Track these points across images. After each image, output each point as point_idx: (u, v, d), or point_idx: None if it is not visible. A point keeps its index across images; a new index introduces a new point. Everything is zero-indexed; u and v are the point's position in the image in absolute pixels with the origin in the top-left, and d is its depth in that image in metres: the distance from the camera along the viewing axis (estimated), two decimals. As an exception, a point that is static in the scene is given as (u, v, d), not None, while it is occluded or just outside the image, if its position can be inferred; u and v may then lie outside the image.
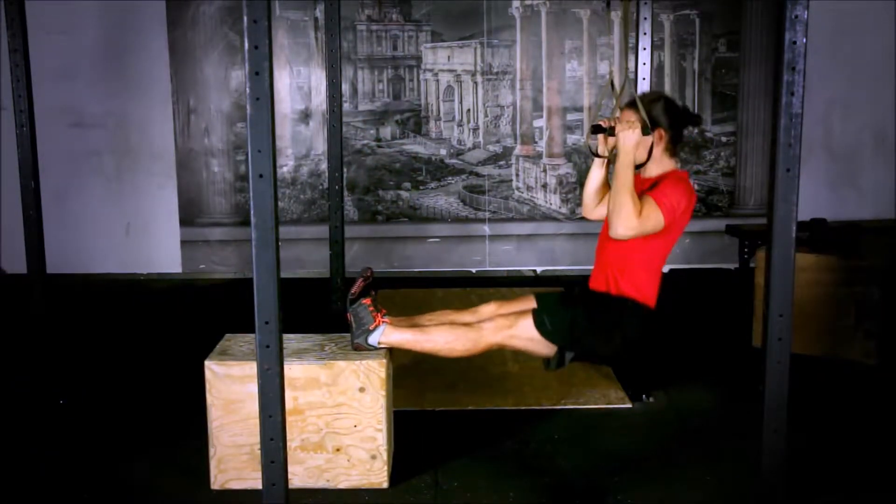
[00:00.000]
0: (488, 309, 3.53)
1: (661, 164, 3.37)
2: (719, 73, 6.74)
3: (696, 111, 6.74)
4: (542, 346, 3.29)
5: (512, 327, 3.27)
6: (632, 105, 3.37)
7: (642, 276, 3.31)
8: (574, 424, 3.78)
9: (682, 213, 3.28)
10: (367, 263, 6.50)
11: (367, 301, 3.29)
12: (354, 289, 3.31)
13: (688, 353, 4.77)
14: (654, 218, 3.20)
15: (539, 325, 3.26)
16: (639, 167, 3.42)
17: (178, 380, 4.23)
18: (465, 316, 3.51)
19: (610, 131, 3.34)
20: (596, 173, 3.53)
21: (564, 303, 3.40)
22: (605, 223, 3.44)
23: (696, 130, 6.74)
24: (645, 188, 3.35)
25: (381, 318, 3.27)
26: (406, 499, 3.13)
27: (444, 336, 3.29)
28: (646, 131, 3.27)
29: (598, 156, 3.47)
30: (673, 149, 3.37)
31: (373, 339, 3.24)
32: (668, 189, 3.24)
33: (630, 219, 3.14)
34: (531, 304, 3.49)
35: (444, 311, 3.60)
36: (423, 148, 6.77)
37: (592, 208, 3.57)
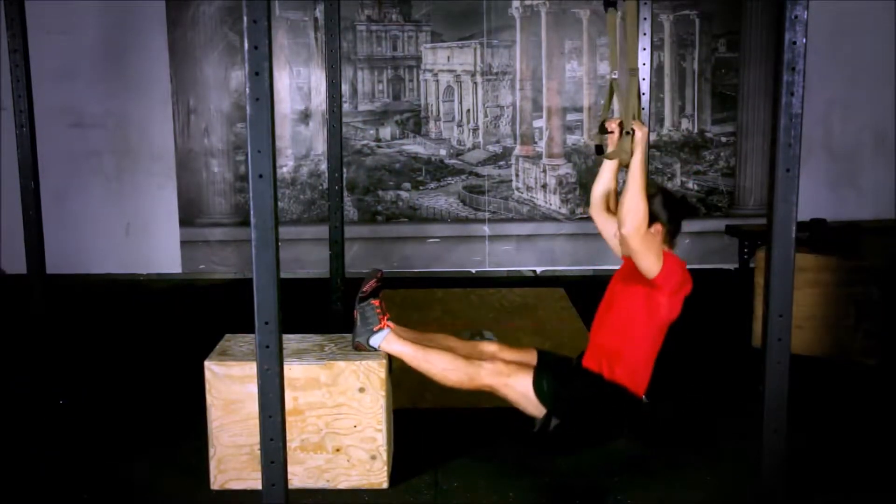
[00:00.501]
0: (490, 348, 3.51)
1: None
2: (719, 74, 6.74)
3: (695, 112, 6.75)
4: (531, 406, 3.27)
5: (510, 377, 3.26)
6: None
7: (637, 365, 3.27)
8: (574, 424, 3.77)
9: (676, 291, 3.21)
10: (366, 264, 6.51)
11: (375, 302, 3.29)
12: (366, 287, 3.31)
13: (687, 353, 4.76)
14: (654, 255, 3.10)
15: (537, 386, 3.24)
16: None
17: (178, 380, 4.23)
18: (466, 347, 3.50)
19: (630, 132, 3.27)
20: (606, 174, 3.48)
21: (565, 373, 3.36)
22: (611, 287, 3.42)
23: (696, 130, 6.74)
24: (638, 275, 3.30)
25: (386, 321, 3.27)
26: (406, 499, 3.13)
27: (442, 363, 3.27)
28: (622, 132, 3.21)
29: (605, 156, 3.42)
30: (671, 241, 3.32)
31: (374, 341, 3.24)
32: (671, 258, 3.19)
33: (642, 225, 3.10)
34: (532, 357, 3.46)
35: (447, 335, 3.57)
36: (423, 148, 6.77)
37: (599, 209, 3.52)
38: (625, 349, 3.24)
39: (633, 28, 3.46)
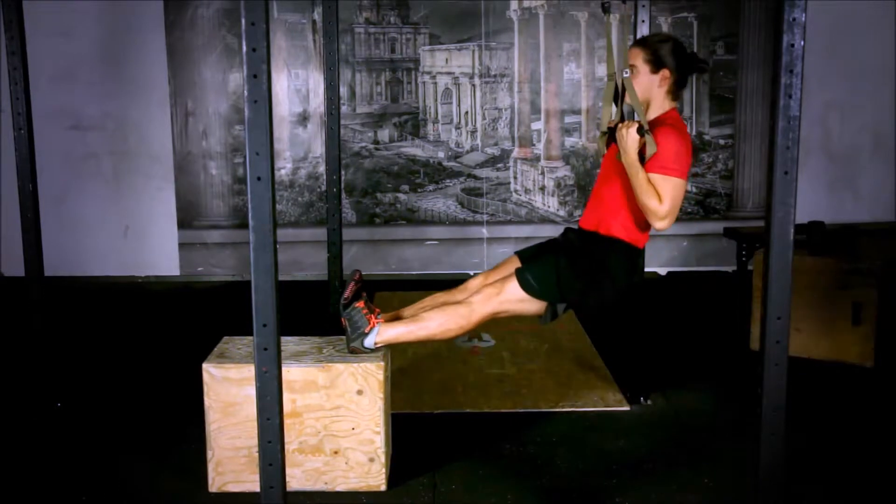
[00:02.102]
0: (476, 282, 3.52)
1: (661, 106, 3.37)
2: (717, 76, 6.75)
3: (693, 114, 6.75)
4: (533, 305, 3.28)
5: (500, 294, 3.26)
6: (639, 44, 3.38)
7: (634, 219, 3.31)
8: (572, 426, 3.78)
9: (688, 161, 3.27)
10: (364, 266, 6.51)
11: (359, 304, 3.29)
12: (346, 293, 3.31)
13: (685, 355, 4.77)
14: (674, 191, 3.17)
15: (524, 285, 3.25)
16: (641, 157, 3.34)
17: (176, 382, 4.24)
18: (455, 294, 3.50)
19: (638, 130, 3.28)
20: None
21: (546, 256, 3.38)
22: (606, 162, 3.44)
23: (694, 133, 6.74)
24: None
25: (375, 318, 3.27)
26: (404, 501, 3.13)
27: (436, 320, 3.28)
28: (640, 131, 3.23)
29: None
30: (676, 91, 3.37)
31: (368, 342, 3.24)
32: (666, 151, 3.20)
33: (657, 211, 3.15)
34: (516, 264, 3.48)
35: (434, 294, 3.59)
36: (421, 150, 6.77)
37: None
38: (622, 206, 3.29)
39: (625, 31, 3.49)
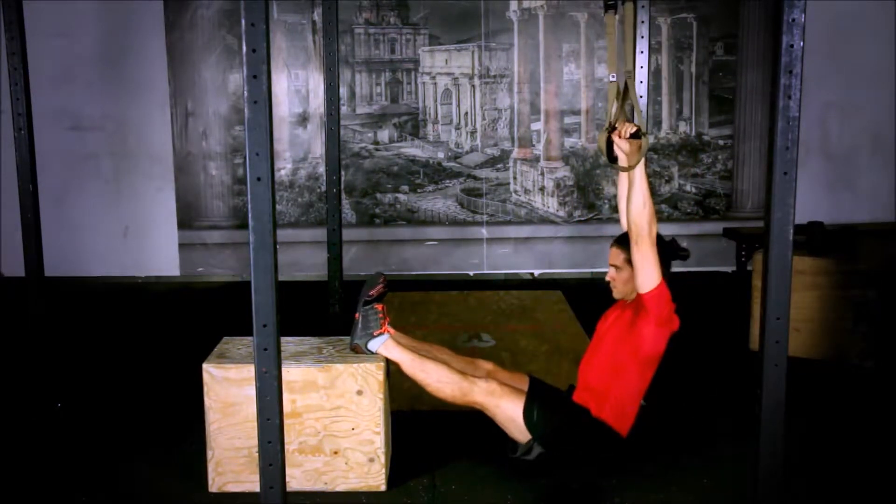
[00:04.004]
0: (485, 367, 3.54)
1: None
2: (716, 77, 6.75)
3: (692, 114, 6.76)
4: (517, 431, 3.31)
5: (502, 399, 3.28)
6: (618, 243, 3.36)
7: (624, 403, 3.31)
8: (572, 427, 3.77)
9: (664, 322, 3.22)
10: (364, 266, 6.52)
11: (379, 307, 3.31)
12: (373, 292, 3.32)
13: (685, 355, 4.76)
14: (656, 269, 3.14)
15: (527, 415, 3.27)
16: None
17: (176, 383, 4.24)
18: (462, 362, 3.52)
19: (636, 134, 3.24)
20: (624, 181, 3.46)
21: (554, 406, 3.38)
22: (601, 327, 3.45)
23: (693, 133, 6.75)
24: (627, 312, 3.34)
25: (387, 326, 3.29)
26: (404, 501, 3.13)
27: (437, 374, 3.29)
28: (636, 135, 3.19)
29: (614, 167, 3.40)
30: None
31: (373, 345, 3.24)
32: (664, 288, 3.20)
33: (651, 224, 3.11)
34: (524, 383, 3.49)
35: (444, 348, 3.59)
36: (421, 151, 6.78)
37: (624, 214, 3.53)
38: (612, 388, 3.30)
39: (630, 31, 3.46)
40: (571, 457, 3.35)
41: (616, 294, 3.42)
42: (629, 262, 3.28)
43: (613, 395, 3.30)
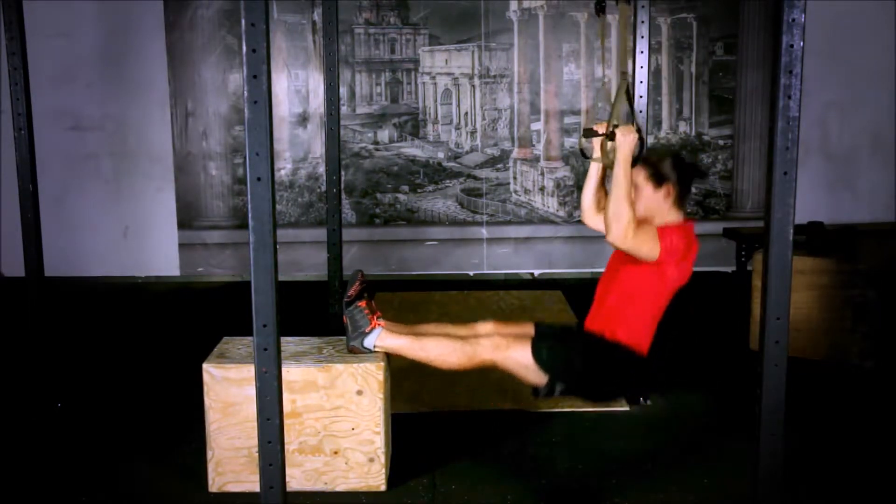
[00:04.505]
0: (485, 327, 3.52)
1: (668, 218, 3.33)
2: (716, 77, 6.75)
3: (692, 114, 6.75)
4: (534, 374, 3.27)
5: (509, 349, 3.26)
6: (640, 162, 3.35)
7: (639, 325, 3.28)
8: (572, 427, 3.78)
9: (681, 259, 3.22)
10: (364, 266, 6.51)
11: (362, 304, 3.29)
12: (350, 291, 3.32)
13: (685, 355, 4.77)
14: (650, 243, 3.14)
15: (536, 355, 3.24)
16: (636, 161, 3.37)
17: (176, 383, 4.24)
18: (461, 330, 3.50)
19: (610, 136, 3.30)
20: (593, 178, 3.51)
21: (564, 339, 3.37)
22: (611, 262, 3.43)
23: (693, 133, 6.75)
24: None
25: (377, 320, 3.27)
26: (404, 501, 3.13)
27: (438, 347, 3.28)
28: (612, 136, 3.22)
29: (590, 159, 3.45)
30: (681, 203, 3.35)
31: (368, 342, 3.24)
32: (671, 230, 3.21)
33: (627, 229, 3.10)
34: (529, 330, 3.47)
35: (441, 323, 3.59)
36: (421, 151, 6.78)
37: (590, 214, 3.54)
38: (628, 312, 3.26)
39: (624, 32, 3.47)
40: (594, 384, 3.30)
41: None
42: (651, 179, 3.28)
43: (627, 319, 3.25)
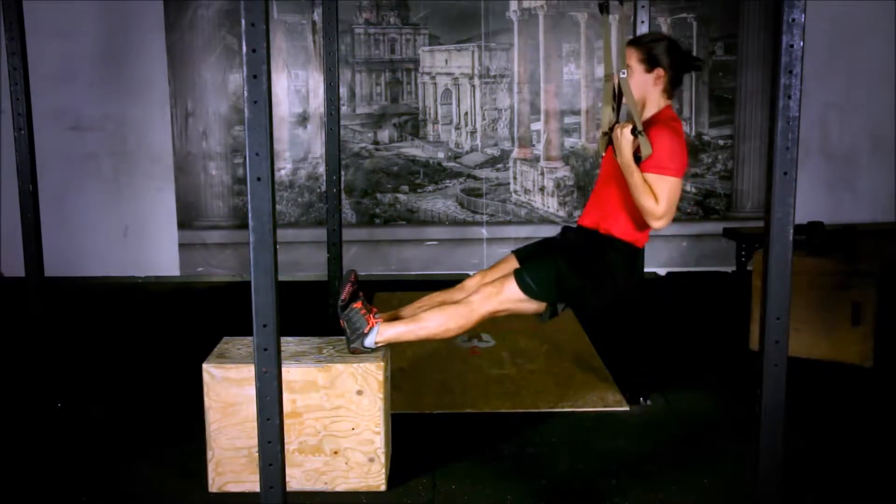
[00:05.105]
0: (473, 281, 3.54)
1: (657, 104, 3.37)
2: (716, 77, 6.75)
3: (692, 114, 6.75)
4: (532, 305, 3.29)
5: (499, 294, 3.27)
6: (633, 43, 3.38)
7: (633, 220, 3.31)
8: (572, 427, 3.78)
9: (683, 159, 3.26)
10: (364, 266, 6.52)
11: (357, 305, 3.29)
12: (343, 295, 3.32)
13: (685, 355, 4.77)
14: (669, 189, 3.18)
15: (523, 287, 3.25)
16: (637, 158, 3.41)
17: (176, 383, 4.24)
18: (453, 294, 3.52)
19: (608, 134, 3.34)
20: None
21: (545, 256, 3.38)
22: (606, 162, 3.45)
23: (693, 133, 6.75)
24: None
25: (374, 318, 3.27)
26: (404, 501, 3.13)
27: (436, 319, 3.29)
28: (634, 132, 3.24)
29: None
30: (671, 90, 3.38)
31: (369, 342, 3.24)
32: (661, 151, 3.21)
33: (653, 211, 3.16)
34: (513, 264, 3.48)
35: (432, 294, 3.59)
36: (421, 151, 6.78)
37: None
38: (621, 206, 3.31)
39: (623, 32, 3.50)
40: (593, 289, 3.31)
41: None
42: (643, 61, 3.31)
43: (622, 216, 3.29)
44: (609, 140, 3.40)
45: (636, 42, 3.39)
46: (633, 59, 3.34)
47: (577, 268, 3.31)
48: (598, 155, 6.47)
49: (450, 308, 3.30)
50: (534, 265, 3.34)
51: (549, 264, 3.32)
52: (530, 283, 3.27)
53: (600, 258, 3.32)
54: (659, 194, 3.18)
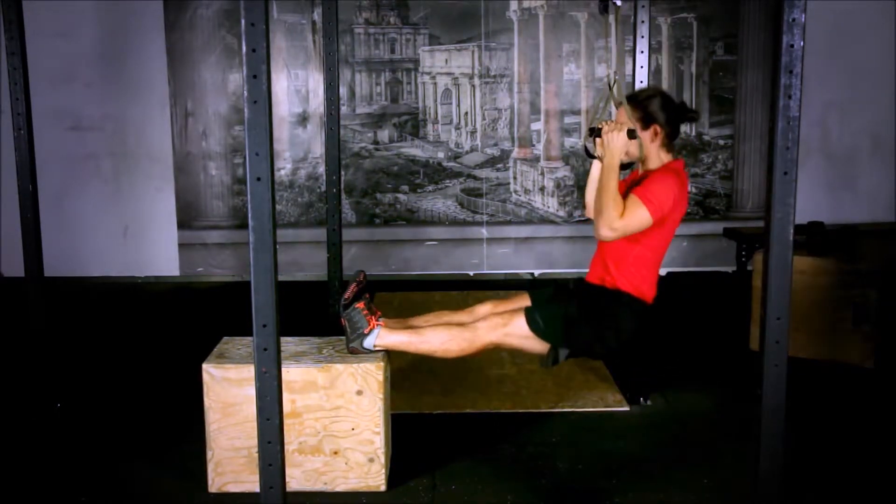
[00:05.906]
0: (484, 309, 3.54)
1: (658, 159, 3.40)
2: (717, 76, 6.75)
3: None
4: (536, 345, 3.30)
5: (506, 326, 3.28)
6: (629, 102, 3.39)
7: (638, 272, 3.32)
8: (572, 427, 3.78)
9: (673, 208, 3.27)
10: (364, 266, 6.51)
11: (360, 305, 3.29)
12: (347, 293, 3.32)
13: (685, 355, 4.77)
14: (638, 216, 3.20)
15: (532, 324, 3.27)
16: (630, 165, 3.46)
17: (176, 383, 4.24)
18: (461, 316, 3.52)
19: (597, 133, 3.35)
20: (594, 175, 3.55)
21: (557, 299, 3.41)
22: None
23: (693, 133, 6.75)
24: (636, 179, 3.39)
25: (376, 321, 3.27)
26: (404, 501, 3.13)
27: (439, 337, 3.29)
28: (632, 135, 3.27)
29: (593, 157, 3.49)
30: (669, 144, 3.40)
31: (368, 343, 3.24)
32: (654, 185, 3.24)
33: (612, 220, 3.17)
34: (526, 302, 3.50)
35: (440, 311, 3.60)
36: (421, 151, 6.77)
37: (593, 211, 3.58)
38: (624, 258, 3.31)
39: (623, 32, 3.51)
40: (598, 341, 3.31)
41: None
42: (639, 120, 3.32)
43: (628, 268, 3.29)
44: (597, 133, 3.38)
45: (630, 100, 3.39)
46: (630, 117, 3.35)
47: (586, 315, 3.31)
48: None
49: (455, 329, 3.30)
50: (545, 305, 3.35)
51: (561, 309, 3.33)
52: (539, 320, 3.27)
53: (609, 312, 3.33)
54: (627, 212, 3.19)
